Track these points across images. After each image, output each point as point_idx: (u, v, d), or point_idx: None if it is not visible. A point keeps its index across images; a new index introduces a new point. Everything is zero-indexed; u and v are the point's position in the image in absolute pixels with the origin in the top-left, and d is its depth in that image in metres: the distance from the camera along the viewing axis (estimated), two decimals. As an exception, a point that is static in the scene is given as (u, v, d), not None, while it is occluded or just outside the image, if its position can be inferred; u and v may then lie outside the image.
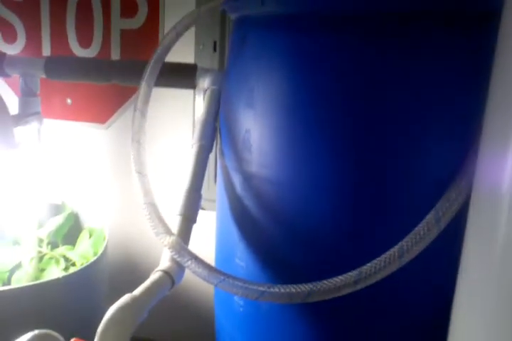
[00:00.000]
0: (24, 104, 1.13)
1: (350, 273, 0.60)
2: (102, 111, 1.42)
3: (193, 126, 1.28)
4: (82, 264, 1.10)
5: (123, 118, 1.38)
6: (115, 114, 1.40)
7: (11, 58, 1.11)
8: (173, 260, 0.72)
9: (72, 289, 1.02)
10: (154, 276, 0.69)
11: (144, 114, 0.83)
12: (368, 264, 0.60)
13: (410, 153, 0.63)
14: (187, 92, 1.23)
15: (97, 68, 1.02)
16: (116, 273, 1.31)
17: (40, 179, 1.26)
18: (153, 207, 0.75)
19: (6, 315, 0.94)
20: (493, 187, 0.45)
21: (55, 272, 1.10)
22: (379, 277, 0.59)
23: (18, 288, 0.97)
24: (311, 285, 0.62)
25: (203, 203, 1.30)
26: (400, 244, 0.59)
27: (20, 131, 1.12)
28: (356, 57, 0.63)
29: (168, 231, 0.72)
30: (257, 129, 0.71)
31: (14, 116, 1.09)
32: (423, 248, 0.59)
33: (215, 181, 1.26)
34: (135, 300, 0.62)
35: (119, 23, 1.33)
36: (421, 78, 0.62)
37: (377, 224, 0.66)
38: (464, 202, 0.58)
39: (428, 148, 0.63)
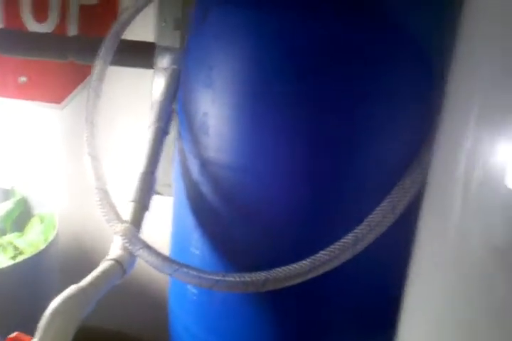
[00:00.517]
0: (-28, 81, 1.07)
1: (304, 262, 0.59)
2: (58, 90, 1.35)
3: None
4: (31, 252, 1.06)
5: (80, 99, 1.32)
6: (71, 94, 1.33)
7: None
8: (124, 248, 0.69)
9: (20, 279, 0.98)
10: (104, 265, 0.66)
11: (98, 93, 0.80)
12: (322, 252, 0.59)
13: (366, 142, 0.62)
14: (146, 72, 1.18)
15: (53, 44, 0.97)
16: (68, 260, 1.27)
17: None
18: (104, 193, 0.72)
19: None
20: (447, 176, 0.44)
21: (2, 261, 1.05)
22: (333, 265, 0.59)
23: (-39, 278, 0.92)
24: (266, 274, 0.61)
25: (160, 188, 1.27)
26: (354, 231, 0.58)
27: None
28: (315, 35, 0.61)
29: (120, 218, 0.69)
30: (215, 111, 0.68)
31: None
32: (377, 235, 0.58)
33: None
34: (81, 292, 0.60)
35: (78, -2, 1.27)
36: (377, 67, 0.61)
37: (334, 211, 0.65)
38: (418, 190, 0.57)
39: (384, 137, 0.62)
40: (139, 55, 0.92)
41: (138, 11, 0.84)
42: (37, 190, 1.30)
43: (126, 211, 0.72)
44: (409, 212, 0.56)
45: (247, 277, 0.61)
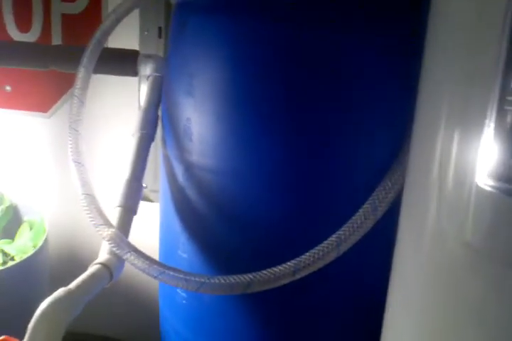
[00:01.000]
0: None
1: (289, 263, 0.60)
2: (44, 99, 1.36)
3: (137, 115, 1.24)
4: (21, 258, 1.06)
5: (66, 107, 1.33)
6: (58, 103, 1.34)
7: None
8: (112, 252, 0.70)
9: (9, 284, 0.98)
10: (92, 269, 0.67)
11: (82, 101, 0.81)
12: (307, 254, 0.60)
13: (347, 144, 0.64)
14: (132, 80, 1.19)
15: (33, 53, 0.98)
16: (57, 266, 1.27)
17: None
18: (91, 198, 0.73)
19: None
20: (423, 176, 0.45)
21: (-9, 267, 1.06)
22: (317, 266, 0.60)
23: (-48, 284, 0.93)
24: (250, 276, 0.62)
25: (150, 195, 1.27)
26: (337, 233, 0.59)
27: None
28: (293, 44, 0.62)
29: (108, 223, 0.70)
30: (196, 117, 0.70)
31: None
32: (360, 236, 0.59)
33: (162, 171, 1.24)
34: (69, 294, 0.61)
35: (60, 7, 1.28)
36: (356, 69, 0.62)
37: (317, 213, 0.66)
38: (400, 191, 0.58)
39: (365, 138, 0.64)
40: (122, 62, 0.93)
41: (118, 19, 0.84)
42: (26, 197, 1.30)
43: (113, 216, 0.73)
44: (391, 212, 0.57)
45: (232, 279, 0.62)
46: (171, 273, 0.65)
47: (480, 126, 0.39)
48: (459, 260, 0.42)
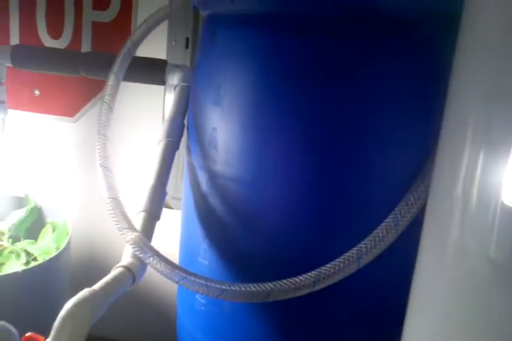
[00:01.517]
0: (-12, 93, 1.11)
1: (309, 274, 0.61)
2: (71, 104, 1.39)
3: (163, 122, 1.27)
4: (43, 259, 1.08)
5: (92, 112, 1.36)
6: (84, 108, 1.38)
7: (-24, 46, 1.09)
8: (135, 256, 0.71)
9: (31, 283, 1.01)
10: (115, 272, 0.68)
11: (111, 107, 0.82)
12: (327, 265, 0.60)
13: (371, 157, 0.64)
14: (157, 88, 1.22)
15: (65, 59, 1.01)
16: (78, 268, 1.29)
17: (3, 171, 1.23)
18: (116, 202, 0.74)
19: (-37, 308, 0.92)
20: (448, 192, 0.46)
21: (15, 266, 1.08)
22: (337, 278, 0.60)
23: (-24, 282, 0.95)
24: (271, 285, 0.62)
25: (170, 202, 1.29)
26: (358, 245, 0.60)
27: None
28: (319, 57, 0.64)
29: (132, 227, 0.72)
30: (223, 127, 0.71)
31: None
32: (382, 250, 0.59)
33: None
34: (94, 295, 0.62)
35: (91, 15, 1.31)
36: (381, 83, 0.63)
37: (339, 225, 0.67)
38: (422, 206, 0.59)
39: (388, 152, 0.64)
40: (150, 71, 0.95)
41: (149, 29, 0.87)
42: (50, 199, 1.33)
43: (137, 220, 0.75)
44: (413, 227, 0.58)
45: (253, 287, 0.63)
46: (193, 278, 0.65)
47: (506, 144, 0.39)
48: (482, 277, 0.42)
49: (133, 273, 0.69)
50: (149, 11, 1.16)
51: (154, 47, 1.17)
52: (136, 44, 0.87)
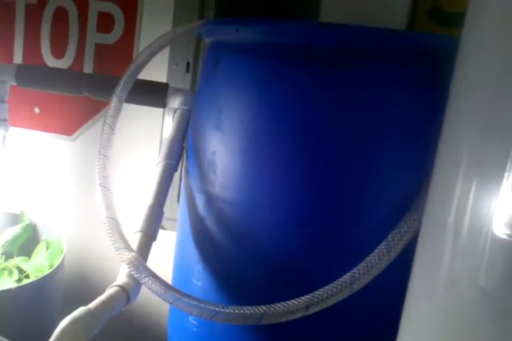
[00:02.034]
0: (-10, 110, 1.12)
1: (302, 298, 0.62)
2: (70, 123, 1.41)
3: (160, 144, 1.28)
4: (36, 276, 1.08)
5: (90, 132, 1.38)
6: (83, 127, 1.39)
7: (-20, 64, 1.11)
8: (130, 276, 0.72)
9: (24, 301, 1.00)
10: (110, 291, 0.69)
11: (113, 128, 0.84)
12: (321, 289, 0.62)
13: (366, 185, 0.66)
14: (156, 110, 1.24)
15: (70, 79, 1.03)
16: (71, 286, 1.29)
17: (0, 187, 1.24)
18: (114, 222, 0.75)
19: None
20: (440, 221, 0.47)
21: (7, 283, 1.08)
22: (330, 303, 0.61)
23: (-33, 298, 0.94)
24: (264, 308, 0.63)
25: (165, 223, 1.30)
26: (351, 271, 0.61)
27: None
28: (320, 86, 0.66)
29: (128, 247, 0.72)
30: (222, 151, 0.73)
31: (-21, 122, 1.08)
32: (374, 276, 0.61)
33: (178, 201, 1.26)
34: (89, 313, 0.62)
35: (95, 37, 1.34)
36: (380, 110, 0.66)
37: (333, 250, 0.68)
38: (415, 234, 0.61)
39: (383, 181, 0.66)
40: (152, 94, 0.97)
41: (153, 54, 0.89)
42: (45, 217, 1.33)
43: (134, 240, 0.75)
44: (406, 253, 0.59)
45: (246, 310, 0.64)
46: (187, 299, 0.66)
47: (499, 177, 0.41)
48: (472, 305, 0.43)
49: (128, 292, 0.70)
50: (152, 34, 1.20)
51: (154, 69, 1.19)
52: (140, 67, 0.89)
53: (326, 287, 0.62)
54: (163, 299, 0.68)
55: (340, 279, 0.62)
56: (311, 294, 0.62)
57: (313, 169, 0.67)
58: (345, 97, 0.66)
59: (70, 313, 0.63)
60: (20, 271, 1.15)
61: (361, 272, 0.61)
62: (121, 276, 0.72)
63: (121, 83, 0.87)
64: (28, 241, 1.24)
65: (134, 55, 1.28)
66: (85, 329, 0.60)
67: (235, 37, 0.73)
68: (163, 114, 1.26)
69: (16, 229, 1.23)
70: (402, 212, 0.63)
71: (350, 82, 0.65)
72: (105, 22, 1.32)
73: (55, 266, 1.09)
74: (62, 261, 1.12)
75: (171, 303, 0.67)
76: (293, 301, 0.62)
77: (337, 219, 0.67)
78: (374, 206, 0.67)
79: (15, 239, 1.21)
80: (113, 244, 0.73)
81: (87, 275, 1.37)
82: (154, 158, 1.26)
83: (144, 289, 0.71)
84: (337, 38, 0.65)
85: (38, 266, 1.13)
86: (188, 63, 1.23)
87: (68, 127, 1.42)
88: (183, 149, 0.87)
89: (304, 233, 0.68)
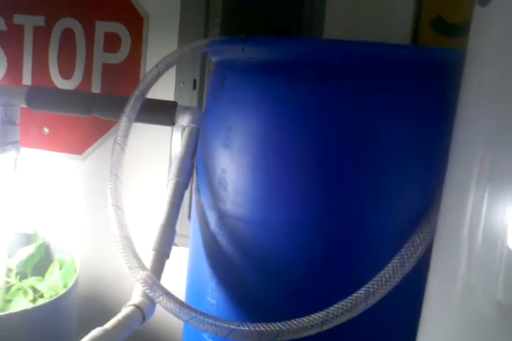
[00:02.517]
0: (3, 133, 1.13)
1: (318, 314, 0.62)
2: (80, 142, 1.42)
3: (170, 162, 1.29)
4: (50, 296, 1.09)
5: (100, 150, 1.39)
6: (92, 146, 1.41)
7: (-9, 87, 1.12)
8: (145, 295, 0.72)
9: (39, 321, 1.01)
10: (126, 310, 0.70)
11: (123, 147, 0.85)
12: (335, 305, 0.62)
13: (378, 199, 0.67)
14: (164, 128, 1.25)
15: (80, 101, 1.04)
16: (85, 306, 1.29)
17: (13, 207, 1.25)
18: (127, 241, 0.76)
19: (-31, 347, 0.92)
20: (452, 236, 0.47)
21: (22, 303, 1.09)
22: (345, 318, 0.61)
23: (-18, 319, 0.95)
24: (280, 325, 0.63)
25: (176, 239, 1.30)
26: (366, 286, 0.61)
27: (-5, 160, 1.12)
28: (328, 102, 0.67)
29: (142, 266, 0.73)
30: (232, 169, 0.74)
31: (-7, 145, 1.09)
32: (388, 290, 0.61)
33: (189, 217, 1.27)
34: (106, 333, 0.63)
35: (102, 57, 1.36)
36: (390, 123, 0.66)
37: (347, 266, 0.68)
38: (428, 247, 0.61)
39: (395, 194, 0.67)
40: (161, 113, 0.98)
41: (160, 73, 0.90)
42: (58, 236, 1.34)
43: (147, 259, 0.76)
44: (420, 266, 0.59)
45: (262, 327, 0.64)
46: (202, 317, 0.66)
47: (509, 190, 0.41)
48: (488, 318, 0.43)
49: (143, 311, 0.70)
50: (158, 53, 1.21)
51: (161, 87, 1.21)
52: (148, 87, 0.90)
53: (340, 302, 0.62)
54: (178, 317, 0.68)
55: (354, 294, 0.62)
56: (326, 310, 0.62)
57: (325, 185, 0.67)
58: (354, 113, 0.66)
59: (85, 333, 0.63)
60: (35, 290, 1.15)
61: (375, 286, 0.61)
62: (136, 295, 0.73)
63: (131, 103, 0.88)
64: (41, 261, 1.25)
65: (141, 73, 1.30)
66: (103, 349, 0.60)
67: (240, 56, 0.74)
68: (172, 132, 1.27)
69: (30, 249, 1.24)
70: (414, 225, 0.63)
71: (359, 97, 0.66)
72: (112, 42, 1.34)
73: (69, 285, 1.09)
74: (76, 281, 1.12)
75: (186, 321, 0.67)
76: (308, 317, 0.62)
77: (350, 234, 0.67)
78: (387, 220, 0.67)
79: (28, 259, 1.22)
80: (127, 263, 0.74)
81: (101, 294, 1.37)
82: (164, 176, 1.27)
83: (158, 307, 0.71)
84: (344, 54, 0.66)
85: (52, 285, 1.14)
86: (195, 80, 1.25)
87: (78, 146, 1.43)
88: (193, 166, 0.88)
89: (318, 249, 0.68)
